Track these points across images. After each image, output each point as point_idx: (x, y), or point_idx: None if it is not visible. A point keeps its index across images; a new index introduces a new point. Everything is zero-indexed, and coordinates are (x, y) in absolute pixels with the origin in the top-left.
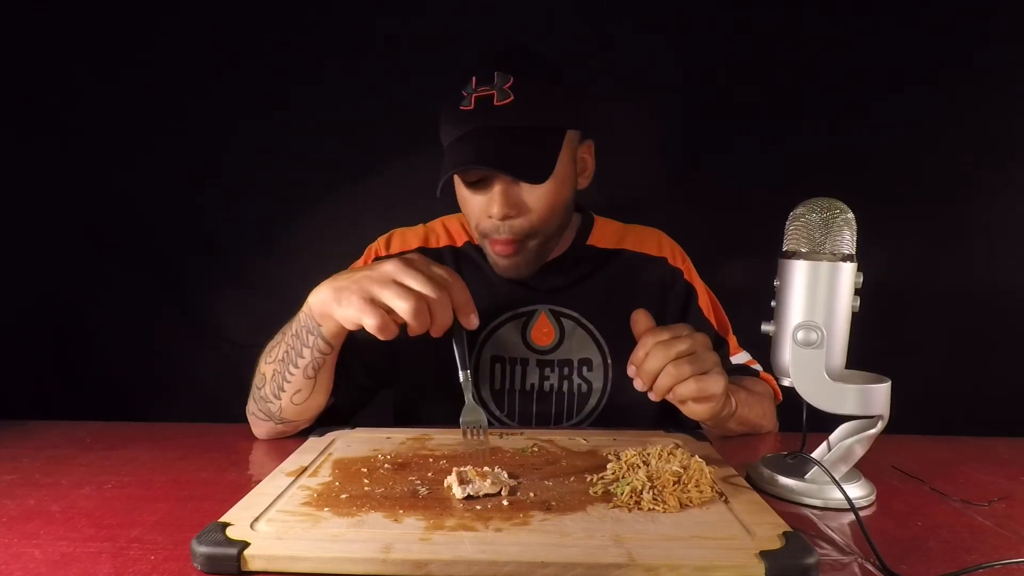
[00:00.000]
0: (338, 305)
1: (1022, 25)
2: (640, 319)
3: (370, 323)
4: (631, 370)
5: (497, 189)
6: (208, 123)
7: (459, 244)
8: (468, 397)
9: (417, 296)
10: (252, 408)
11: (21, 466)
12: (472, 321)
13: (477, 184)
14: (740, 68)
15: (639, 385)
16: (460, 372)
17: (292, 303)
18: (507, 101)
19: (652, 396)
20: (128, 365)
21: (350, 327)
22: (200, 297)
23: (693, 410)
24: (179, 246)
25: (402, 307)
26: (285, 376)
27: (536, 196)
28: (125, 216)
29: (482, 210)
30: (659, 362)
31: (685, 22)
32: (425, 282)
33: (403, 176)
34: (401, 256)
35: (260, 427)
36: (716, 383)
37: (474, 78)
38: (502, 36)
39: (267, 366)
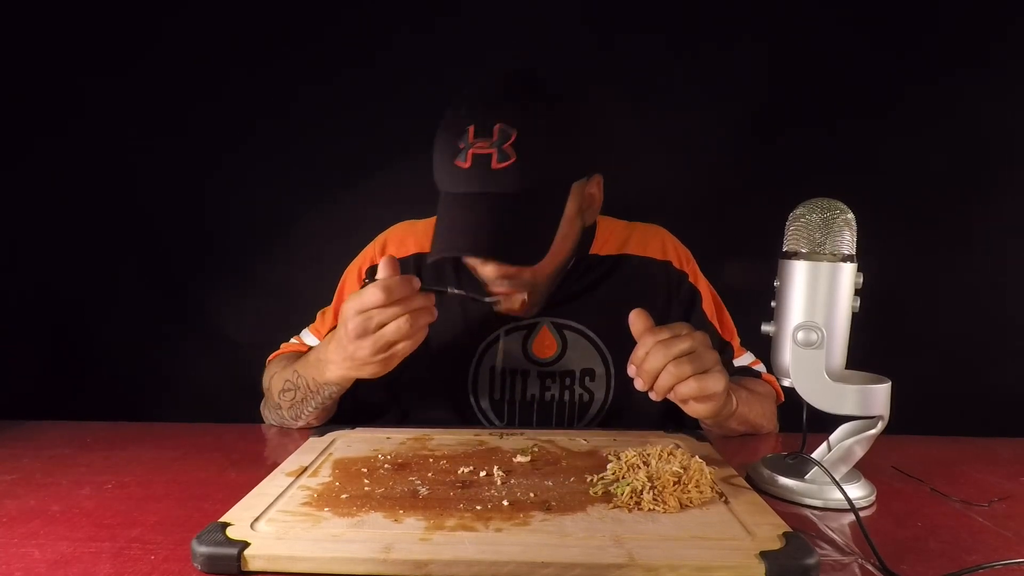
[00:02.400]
0: (361, 373)
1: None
2: (638, 319)
3: (388, 368)
4: (631, 370)
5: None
6: (211, 123)
7: None
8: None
9: (413, 331)
10: (268, 416)
11: (21, 466)
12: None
13: None
14: (741, 69)
15: (640, 385)
16: (449, 289)
17: (292, 303)
18: (507, 164)
19: (653, 396)
20: (128, 365)
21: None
22: (201, 297)
23: (694, 409)
24: (180, 246)
25: (409, 348)
26: (302, 411)
27: None
28: (126, 216)
29: (477, 260)
30: (659, 361)
31: (687, 24)
32: (411, 320)
33: (403, 177)
34: (371, 301)
35: (273, 423)
36: (717, 381)
37: (471, 128)
38: (505, 40)
39: (283, 401)
